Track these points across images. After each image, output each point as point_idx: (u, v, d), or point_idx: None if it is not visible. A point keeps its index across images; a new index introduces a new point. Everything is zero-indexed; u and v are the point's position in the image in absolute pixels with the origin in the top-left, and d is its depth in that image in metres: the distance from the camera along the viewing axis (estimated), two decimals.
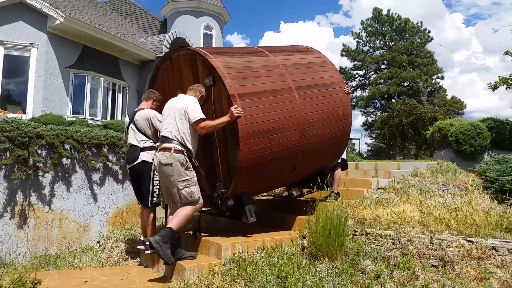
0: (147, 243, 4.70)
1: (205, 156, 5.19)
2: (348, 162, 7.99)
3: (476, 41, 79.41)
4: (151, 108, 5.33)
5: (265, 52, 5.99)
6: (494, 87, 9.79)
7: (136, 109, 5.37)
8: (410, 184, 7.78)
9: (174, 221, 4.53)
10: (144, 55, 14.66)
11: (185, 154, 4.62)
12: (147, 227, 5.13)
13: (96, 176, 6.62)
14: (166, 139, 4.66)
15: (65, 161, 6.40)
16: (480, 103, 66.71)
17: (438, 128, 10.07)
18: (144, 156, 5.04)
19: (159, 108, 5.26)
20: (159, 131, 4.91)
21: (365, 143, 38.24)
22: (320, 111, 5.84)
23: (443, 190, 7.71)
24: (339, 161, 7.08)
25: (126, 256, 5.64)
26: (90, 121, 12.47)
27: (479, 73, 73.30)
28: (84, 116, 13.18)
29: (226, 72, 4.95)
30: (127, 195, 6.97)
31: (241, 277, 4.24)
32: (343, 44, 34.21)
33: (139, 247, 5.28)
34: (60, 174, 6.32)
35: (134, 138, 5.14)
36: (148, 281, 4.41)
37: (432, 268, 4.57)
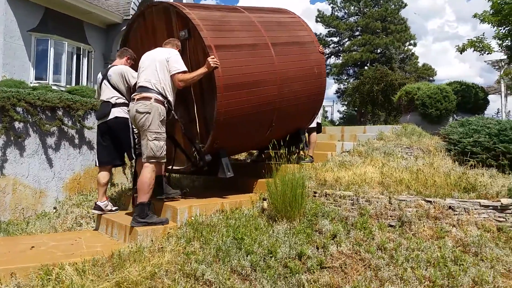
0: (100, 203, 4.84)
1: (182, 113, 5.03)
2: None
3: (449, 10, 79.73)
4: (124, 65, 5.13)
5: (240, 9, 5.87)
6: (461, 50, 9.70)
7: (110, 66, 5.18)
8: (374, 147, 7.73)
9: (141, 194, 4.32)
10: (110, 18, 13.98)
11: (165, 105, 4.44)
12: (101, 187, 4.99)
13: (51, 141, 6.28)
14: (145, 89, 4.43)
15: (17, 124, 6.02)
16: (452, 71, 67.59)
17: (405, 92, 9.97)
18: (116, 112, 4.85)
19: (133, 67, 5.07)
20: (136, 84, 4.67)
21: (338, 111, 38.36)
22: (296, 68, 5.82)
23: (406, 153, 7.70)
24: (315, 125, 7.03)
25: (81, 222, 5.42)
26: (54, 87, 11.89)
27: (451, 42, 73.99)
28: (47, 81, 12.56)
29: (202, 23, 4.78)
30: (85, 160, 6.68)
31: (197, 239, 4.09)
32: (318, 10, 33.74)
33: (93, 211, 5.13)
34: (12, 138, 5.95)
35: (106, 94, 4.96)
36: (99, 245, 4.21)
37: (390, 228, 4.52)
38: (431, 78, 31.58)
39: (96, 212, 5.03)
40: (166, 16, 5.13)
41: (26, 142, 6.09)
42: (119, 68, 4.98)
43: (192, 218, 4.48)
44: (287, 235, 4.20)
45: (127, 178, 7.21)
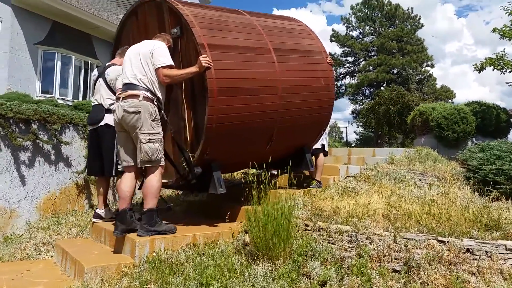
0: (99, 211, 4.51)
1: (172, 118, 4.49)
2: None
3: (467, 33, 78.43)
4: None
5: (241, 12, 5.41)
6: (480, 69, 8.80)
7: (108, 64, 4.78)
8: (383, 172, 6.86)
9: (148, 199, 3.91)
10: None
11: (155, 103, 3.97)
12: (100, 195, 4.69)
13: (24, 156, 5.63)
14: (131, 86, 3.96)
15: None
16: (471, 94, 66.01)
17: (419, 112, 9.06)
18: (108, 118, 4.47)
19: None
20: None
21: (354, 132, 37.33)
22: (301, 78, 5.29)
23: (420, 180, 6.81)
24: (320, 146, 6.36)
25: (41, 249, 4.70)
26: (60, 101, 11.56)
27: (470, 65, 72.46)
28: (53, 95, 12.25)
29: (195, 20, 4.32)
30: (61, 178, 6.00)
31: (154, 282, 3.32)
32: (333, 29, 33.12)
33: (93, 219, 4.74)
34: None
35: (100, 95, 4.57)
36: (43, 282, 3.48)
37: (394, 274, 3.66)
38: (449, 100, 30.43)
39: (96, 220, 4.66)
40: (159, 13, 4.67)
41: None
42: (119, 68, 4.49)
43: (154, 254, 3.70)
44: (266, 280, 3.40)
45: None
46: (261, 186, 4.11)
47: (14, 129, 5.52)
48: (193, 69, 4.09)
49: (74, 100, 12.27)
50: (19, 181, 5.59)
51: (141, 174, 4.21)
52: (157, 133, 3.97)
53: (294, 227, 4.09)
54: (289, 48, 5.34)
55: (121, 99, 3.96)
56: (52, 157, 5.90)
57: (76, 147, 6.12)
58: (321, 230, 4.26)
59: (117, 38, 5.26)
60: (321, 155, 6.44)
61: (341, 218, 4.55)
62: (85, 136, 6.18)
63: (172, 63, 4.08)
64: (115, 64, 4.71)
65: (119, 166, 4.41)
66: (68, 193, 6.03)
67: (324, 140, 6.50)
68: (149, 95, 3.95)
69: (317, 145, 6.33)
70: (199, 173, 4.29)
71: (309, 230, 4.32)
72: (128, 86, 3.99)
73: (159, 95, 4.05)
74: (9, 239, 5.28)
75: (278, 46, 5.14)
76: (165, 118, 4.17)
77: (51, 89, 12.42)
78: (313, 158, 6.23)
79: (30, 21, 11.62)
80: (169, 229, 4.01)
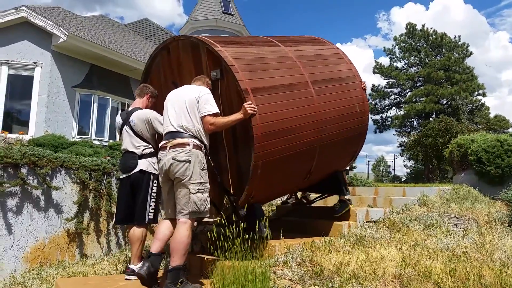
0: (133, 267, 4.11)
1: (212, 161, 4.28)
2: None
3: None
4: (146, 106, 4.51)
5: (275, 42, 5.17)
6: None
7: (130, 108, 4.48)
8: (412, 216, 5.88)
9: (176, 256, 3.53)
10: None
11: (203, 151, 3.79)
12: (134, 246, 4.24)
13: (11, 202, 5.26)
14: (178, 134, 3.75)
15: None
16: None
17: (457, 145, 7.89)
18: (142, 164, 4.23)
19: (154, 106, 4.54)
20: (163, 130, 3.99)
21: (405, 166, 35.29)
22: (337, 108, 5.11)
23: (455, 225, 5.75)
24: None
25: None
26: (96, 142, 11.65)
27: None
28: (89, 136, 12.43)
29: (237, 64, 4.12)
30: (51, 226, 5.56)
31: None
32: (375, 61, 31.97)
33: (127, 277, 4.20)
34: None
35: (130, 143, 4.30)
36: None
37: None
38: (505, 130, 27.99)
39: (130, 278, 4.13)
40: (194, 52, 4.48)
41: None
42: (144, 114, 4.30)
43: None
44: None
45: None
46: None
47: (2, 174, 5.17)
48: (238, 116, 3.89)
49: (110, 141, 12.32)
50: (5, 229, 5.20)
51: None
52: (206, 183, 3.74)
53: None
54: (325, 78, 5.15)
55: (168, 148, 3.72)
56: (42, 203, 5.49)
57: (67, 192, 5.71)
58: None
59: (146, 72, 5.05)
60: (344, 173, 6.13)
61: (342, 279, 3.66)
62: (77, 180, 5.76)
63: (218, 110, 3.85)
64: (138, 108, 4.43)
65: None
66: (58, 242, 5.55)
67: None
68: (198, 142, 3.75)
69: (352, 162, 6.28)
70: (244, 215, 4.13)
71: None
72: (174, 134, 3.77)
73: (206, 142, 3.87)
74: None
75: (314, 78, 4.94)
76: (212, 164, 4.04)
77: (88, 130, 12.63)
78: None
79: (69, 65, 11.97)
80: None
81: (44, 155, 5.36)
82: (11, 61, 11.42)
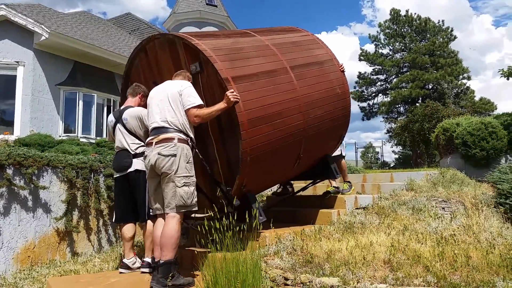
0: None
1: (201, 153, 4.25)
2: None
3: (508, 43, 74.47)
4: (138, 105, 4.53)
5: (250, 33, 5.26)
6: (508, 75, 7.64)
7: (122, 107, 4.54)
8: (400, 201, 5.94)
9: (166, 251, 3.57)
10: None
11: (189, 144, 3.82)
12: (128, 242, 4.35)
13: None
14: (163, 129, 3.78)
15: None
16: None
17: (443, 129, 7.95)
18: (137, 164, 4.26)
19: (146, 105, 4.42)
20: (149, 127, 4.03)
21: (393, 151, 35.55)
22: (319, 91, 5.20)
23: (442, 208, 5.82)
24: (340, 153, 6.50)
25: None
26: (83, 139, 11.53)
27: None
28: (76, 134, 12.29)
29: (215, 55, 4.17)
30: (40, 225, 5.50)
31: None
32: (361, 48, 31.95)
33: (120, 270, 4.35)
34: None
35: (124, 141, 4.34)
36: None
37: None
38: (490, 113, 28.31)
39: (124, 271, 4.29)
40: (172, 49, 4.49)
41: None
42: (136, 111, 4.35)
43: None
44: None
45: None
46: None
47: None
48: (221, 105, 3.92)
49: (97, 138, 12.20)
50: None
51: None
52: (192, 176, 3.77)
53: (267, 287, 3.26)
54: (304, 63, 5.23)
55: (154, 144, 3.76)
56: (30, 203, 5.42)
57: (55, 191, 5.65)
58: (303, 285, 3.42)
59: (126, 76, 5.07)
60: (342, 159, 6.59)
61: (333, 266, 3.69)
62: (65, 179, 5.70)
63: (201, 102, 3.90)
64: (130, 106, 4.47)
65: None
66: (48, 241, 5.50)
67: (342, 146, 6.53)
68: (183, 136, 3.78)
69: (337, 152, 6.32)
70: (238, 205, 4.18)
71: (289, 286, 3.49)
72: (159, 130, 3.81)
73: (191, 134, 3.89)
74: None
75: (293, 63, 5.03)
76: (200, 156, 4.04)
77: (74, 128, 12.47)
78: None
79: (52, 63, 11.79)
80: (187, 282, 3.65)
81: (29, 154, 5.29)
82: None
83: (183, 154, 3.70)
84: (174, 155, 3.66)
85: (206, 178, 4.33)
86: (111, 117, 4.55)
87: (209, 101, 4.15)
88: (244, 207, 4.22)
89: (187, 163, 3.73)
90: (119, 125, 4.38)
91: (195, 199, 3.77)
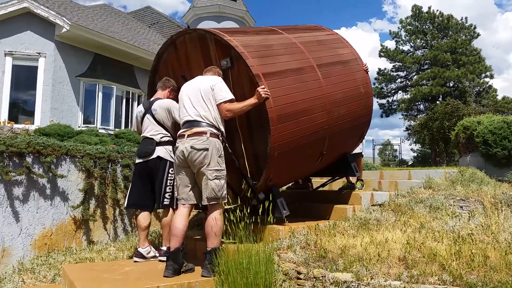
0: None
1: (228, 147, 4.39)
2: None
3: None
4: (168, 98, 4.63)
5: (278, 31, 5.34)
6: None
7: (152, 99, 4.64)
8: (418, 199, 5.83)
9: (212, 239, 3.72)
10: None
11: (220, 138, 3.93)
12: (143, 231, 4.43)
13: (18, 191, 5.30)
14: (195, 123, 3.88)
15: None
16: None
17: (463, 128, 7.79)
18: (159, 151, 4.34)
19: (175, 99, 4.58)
20: (180, 120, 4.15)
21: (412, 150, 35.05)
22: (343, 89, 5.28)
23: (460, 207, 5.70)
24: (360, 150, 6.51)
25: None
26: (102, 131, 11.68)
27: None
28: (95, 125, 12.45)
29: (246, 51, 4.25)
30: (57, 213, 5.60)
31: None
32: (381, 45, 31.52)
33: (135, 259, 4.40)
34: None
35: (151, 129, 4.45)
36: None
37: None
38: None
39: (139, 260, 4.35)
40: (202, 45, 4.59)
41: None
42: (165, 103, 4.46)
43: None
44: None
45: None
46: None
47: (8, 163, 5.20)
48: (252, 100, 4.02)
49: (116, 129, 12.35)
50: (13, 218, 5.25)
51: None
52: (223, 170, 3.87)
53: (279, 280, 3.25)
54: (330, 62, 5.29)
55: (186, 136, 3.85)
56: (48, 191, 5.52)
57: (73, 180, 5.74)
58: (316, 280, 3.40)
59: (153, 70, 5.16)
60: (361, 157, 6.57)
61: (347, 262, 3.66)
62: (82, 168, 5.77)
63: (233, 97, 3.98)
64: (159, 98, 4.58)
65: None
66: (64, 229, 5.60)
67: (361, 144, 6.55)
68: (214, 131, 3.88)
69: (357, 150, 6.34)
70: (263, 198, 4.29)
71: (301, 280, 3.46)
72: (191, 123, 3.91)
73: (223, 129, 4.00)
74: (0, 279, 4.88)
75: (320, 62, 5.08)
76: (229, 150, 4.17)
77: (93, 119, 12.62)
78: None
79: (72, 55, 11.94)
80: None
81: (48, 143, 5.39)
82: (15, 51, 11.38)
83: (215, 148, 3.81)
84: (207, 149, 3.76)
85: (231, 172, 4.36)
86: (141, 107, 4.67)
87: (238, 97, 4.19)
88: (272, 200, 4.26)
89: (219, 157, 3.83)
90: (148, 115, 4.49)
91: (225, 192, 3.87)
